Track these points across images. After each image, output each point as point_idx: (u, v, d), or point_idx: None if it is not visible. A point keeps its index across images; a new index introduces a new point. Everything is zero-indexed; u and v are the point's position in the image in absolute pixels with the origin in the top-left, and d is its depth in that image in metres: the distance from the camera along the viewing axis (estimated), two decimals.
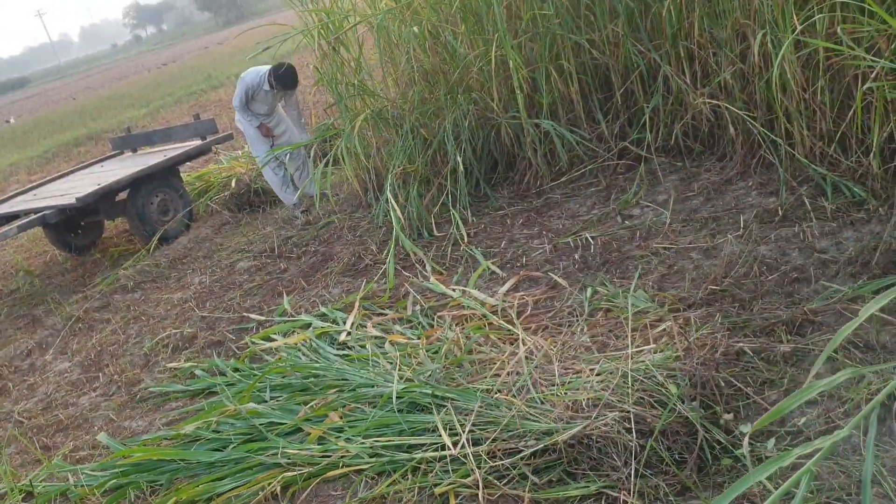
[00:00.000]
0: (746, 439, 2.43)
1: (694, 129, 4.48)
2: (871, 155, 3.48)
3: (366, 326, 3.86)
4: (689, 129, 4.49)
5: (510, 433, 2.74)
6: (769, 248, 3.51)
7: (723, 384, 2.70)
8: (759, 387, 2.74)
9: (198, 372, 4.01)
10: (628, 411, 2.57)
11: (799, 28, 3.43)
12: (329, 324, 4.01)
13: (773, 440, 2.49)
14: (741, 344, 2.90)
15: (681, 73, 4.35)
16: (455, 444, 2.79)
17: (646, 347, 2.94)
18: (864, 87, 3.12)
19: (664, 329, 3.04)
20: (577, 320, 3.39)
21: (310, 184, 5.95)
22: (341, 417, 3.13)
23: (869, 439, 1.24)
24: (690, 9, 4.21)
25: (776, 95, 3.76)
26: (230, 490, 2.97)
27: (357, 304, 4.09)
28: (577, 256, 4.01)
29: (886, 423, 2.45)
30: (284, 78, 6.10)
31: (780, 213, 3.70)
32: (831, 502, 2.25)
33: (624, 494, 2.38)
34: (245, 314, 4.58)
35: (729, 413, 2.61)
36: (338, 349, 3.73)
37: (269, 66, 6.11)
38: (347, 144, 5.20)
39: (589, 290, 3.59)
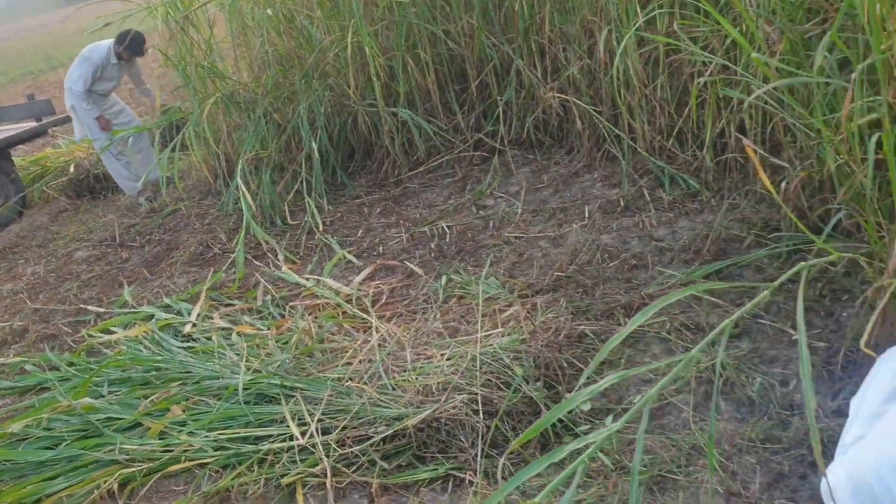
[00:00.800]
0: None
1: (545, 123, 4.60)
2: (705, 149, 3.69)
3: (212, 318, 3.71)
4: (541, 123, 4.61)
5: (360, 420, 2.71)
6: (611, 236, 3.66)
7: (565, 365, 2.78)
8: (600, 367, 2.85)
9: (28, 367, 3.72)
10: (476, 393, 2.61)
11: (640, 20, 3.57)
12: (173, 315, 3.83)
13: (611, 417, 2.59)
14: (583, 327, 3.00)
15: (532, 68, 4.46)
16: (303, 433, 2.74)
17: (494, 332, 2.99)
18: (699, 81, 3.29)
19: (512, 314, 3.11)
20: (431, 307, 3.40)
21: (154, 169, 5.67)
22: (184, 411, 3.00)
23: (640, 432, 1.31)
24: (542, 4, 4.32)
25: (620, 91, 3.92)
26: (63, 489, 2.78)
27: (204, 295, 3.93)
28: (433, 245, 4.03)
29: (713, 398, 2.60)
30: (134, 42, 5.66)
31: (622, 203, 3.87)
32: (663, 474, 2.36)
33: (470, 475, 2.41)
34: (82, 306, 4.30)
35: (570, 392, 2.70)
36: (182, 341, 3.57)
37: (110, 40, 5.74)
38: (196, 129, 4.99)
39: (443, 278, 3.62)
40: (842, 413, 2.36)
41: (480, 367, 2.73)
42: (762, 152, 3.24)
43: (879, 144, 2.36)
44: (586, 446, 1.66)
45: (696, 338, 2.86)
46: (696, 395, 2.60)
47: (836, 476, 1.75)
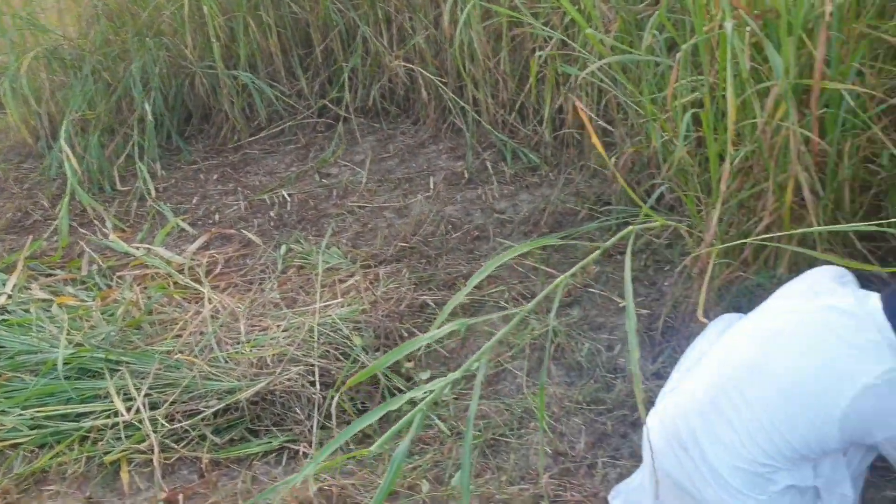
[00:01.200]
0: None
1: (391, 92, 4.56)
2: (544, 124, 3.79)
3: (31, 289, 3.44)
4: (387, 92, 4.56)
5: (190, 395, 2.61)
6: (455, 208, 3.70)
7: (406, 335, 2.80)
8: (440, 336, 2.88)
9: None
10: (313, 364, 2.56)
11: None
12: None
13: (448, 386, 2.62)
14: (425, 297, 3.02)
15: (379, 35, 4.41)
16: (129, 409, 2.60)
17: (334, 302, 2.95)
18: (539, 55, 3.36)
19: (353, 284, 3.07)
20: (269, 278, 3.31)
21: None
22: None
23: (475, 389, 1.34)
24: None
25: (464, 63, 3.95)
26: None
27: (21, 264, 3.62)
28: (272, 214, 3.92)
29: (545, 363, 2.69)
30: None
31: (466, 176, 3.91)
32: (497, 437, 2.43)
33: (304, 446, 2.38)
34: None
35: (410, 361, 2.71)
36: None
37: None
38: (14, 85, 4.57)
39: (283, 248, 3.52)
40: (661, 376, 2.51)
41: (318, 338, 2.69)
42: (597, 120, 3.38)
43: (700, 122, 2.51)
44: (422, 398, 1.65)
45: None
46: (530, 361, 2.68)
47: (652, 423, 1.86)
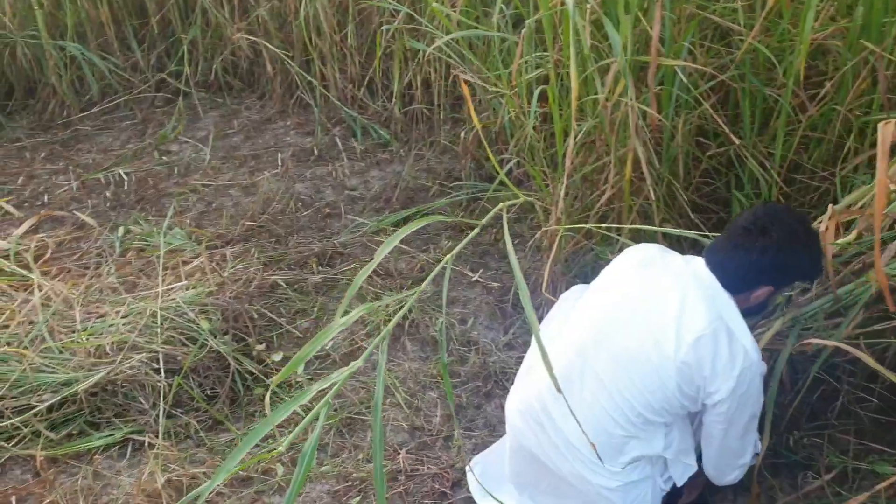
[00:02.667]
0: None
1: (234, 66, 4.39)
2: (393, 100, 3.77)
3: None
4: (230, 66, 4.39)
5: (20, 389, 2.42)
6: (305, 185, 3.62)
7: (256, 316, 2.71)
8: (293, 316, 2.82)
9: None
10: (157, 351, 2.44)
11: None
12: None
13: (302, 365, 2.57)
14: (275, 277, 2.94)
15: (219, 6, 4.21)
16: None
17: (178, 285, 2.81)
18: (384, 29, 3.33)
19: (198, 266, 2.94)
20: (106, 261, 3.11)
21: None
22: None
23: (380, 365, 1.31)
24: None
25: (311, 37, 3.86)
26: None
27: None
28: (108, 194, 3.68)
29: (401, 339, 2.70)
30: None
31: (316, 152, 3.83)
32: (353, 416, 2.41)
33: (150, 437, 2.26)
34: None
35: (261, 344, 2.64)
36: None
37: None
38: None
39: (121, 230, 3.32)
40: (513, 346, 2.58)
41: (161, 324, 2.55)
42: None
43: (546, 98, 2.57)
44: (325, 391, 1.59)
45: (385, 283, 2.94)
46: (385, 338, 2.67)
47: (510, 403, 1.91)
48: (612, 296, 1.86)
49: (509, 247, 1.53)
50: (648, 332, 1.72)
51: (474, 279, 2.91)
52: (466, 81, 3.29)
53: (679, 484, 1.89)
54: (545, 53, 2.62)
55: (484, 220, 1.91)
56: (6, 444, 2.32)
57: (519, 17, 3.05)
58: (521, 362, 2.34)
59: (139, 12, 4.52)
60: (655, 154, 2.48)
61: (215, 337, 2.54)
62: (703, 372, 1.68)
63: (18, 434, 2.34)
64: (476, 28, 3.11)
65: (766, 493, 2.08)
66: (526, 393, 1.88)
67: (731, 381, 1.67)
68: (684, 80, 2.40)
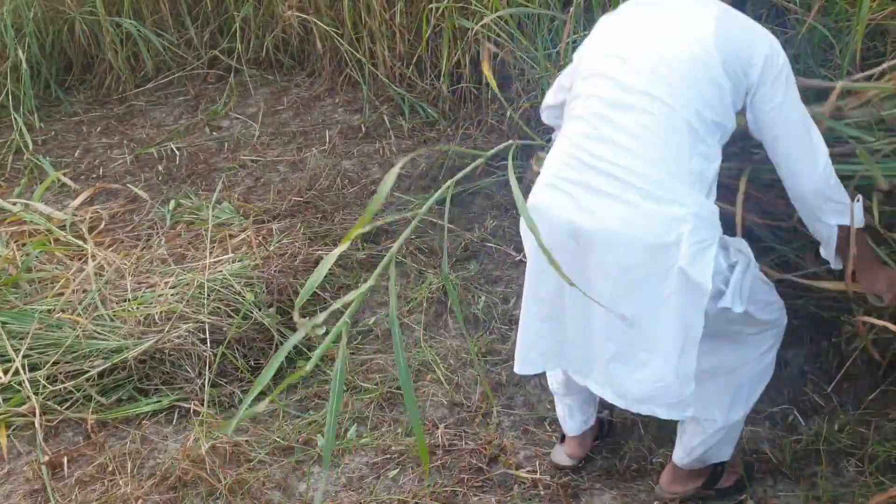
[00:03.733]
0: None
1: (285, 43, 4.42)
2: (442, 79, 3.76)
3: None
4: (280, 43, 4.42)
5: (74, 354, 2.49)
6: (352, 162, 3.64)
7: (300, 290, 2.74)
8: (336, 292, 2.85)
9: None
10: (203, 322, 2.49)
11: None
12: None
13: (346, 337, 2.60)
14: (320, 252, 2.97)
15: None
16: (7, 371, 2.46)
17: (225, 258, 2.87)
18: (434, 6, 3.32)
19: (245, 239, 2.99)
20: (157, 233, 3.18)
21: None
22: None
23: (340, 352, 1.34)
24: None
25: (361, 15, 3.86)
26: None
27: None
28: (160, 168, 3.76)
29: (443, 317, 2.71)
30: None
31: (363, 129, 3.85)
32: (393, 390, 2.43)
33: (195, 404, 2.32)
34: None
35: (304, 317, 2.66)
36: None
37: None
38: None
39: (171, 203, 3.39)
40: None
41: (208, 295, 2.61)
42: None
43: None
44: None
45: (428, 260, 2.95)
46: (427, 315, 2.69)
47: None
48: (621, 27, 1.78)
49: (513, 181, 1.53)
50: (673, 35, 1.67)
51: (518, 259, 2.90)
52: (495, 54, 3.28)
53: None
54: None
55: (489, 153, 1.90)
56: (59, 407, 2.40)
57: None
58: None
59: None
60: None
61: (259, 309, 2.59)
62: (741, 43, 1.64)
63: (71, 398, 2.42)
64: (525, 6, 3.08)
65: (808, 480, 2.05)
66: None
67: (766, 43, 1.64)
68: None
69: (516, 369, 1.92)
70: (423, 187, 3.43)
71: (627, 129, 1.63)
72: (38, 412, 2.37)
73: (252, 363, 2.50)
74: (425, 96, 3.96)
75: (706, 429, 1.86)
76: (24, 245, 3.15)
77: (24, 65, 4.19)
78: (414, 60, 3.96)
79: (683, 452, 1.93)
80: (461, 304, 2.73)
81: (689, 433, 1.90)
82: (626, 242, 1.59)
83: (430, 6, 3.43)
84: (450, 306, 2.72)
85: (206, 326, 2.47)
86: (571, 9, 2.51)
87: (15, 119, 4.11)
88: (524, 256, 2.91)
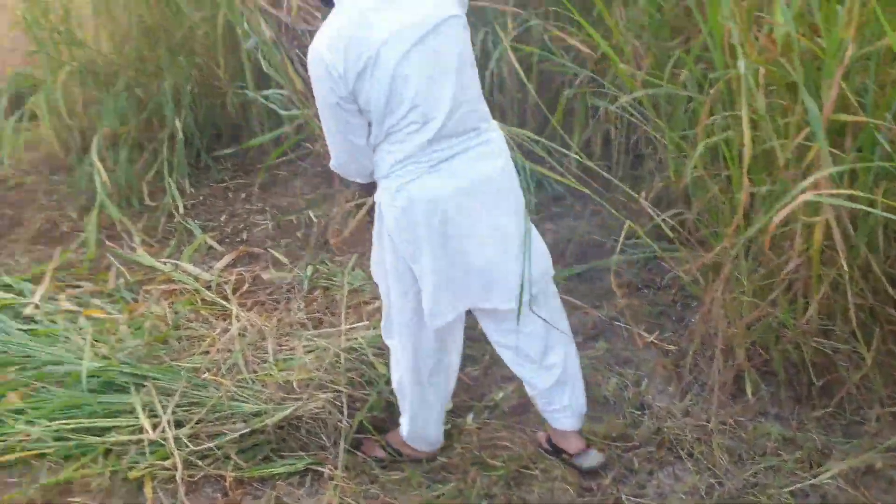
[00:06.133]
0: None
1: None
2: (571, 155, 3.80)
3: (58, 300, 3.47)
4: None
5: (217, 415, 2.61)
6: None
7: None
8: (463, 363, 2.87)
9: None
10: (340, 391, 2.57)
11: (514, 33, 3.64)
12: (13, 295, 3.54)
13: (471, 414, 2.63)
14: None
15: None
16: (155, 426, 2.61)
17: (360, 325, 2.96)
18: (568, 92, 3.39)
19: (378, 306, 3.08)
20: (295, 297, 3.33)
21: None
22: (22, 398, 2.79)
23: None
24: None
25: (493, 92, 3.98)
26: None
27: (49, 275, 3.66)
28: (299, 234, 3.96)
29: None
30: None
31: None
32: (521, 469, 2.41)
33: (329, 468, 2.38)
34: None
35: None
36: (22, 323, 3.31)
37: None
38: (48, 98, 4.65)
39: (309, 269, 3.55)
40: (689, 413, 2.50)
41: (345, 363, 2.69)
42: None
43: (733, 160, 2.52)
44: None
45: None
46: None
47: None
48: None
49: None
50: None
51: (649, 340, 2.86)
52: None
53: None
54: (733, 113, 2.58)
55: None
56: (200, 463, 2.51)
57: (704, 77, 3.02)
58: (699, 430, 2.29)
59: None
60: (850, 223, 2.36)
61: (388, 384, 2.63)
62: None
63: (212, 455, 2.53)
64: (660, 86, 3.11)
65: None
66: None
67: None
68: (886, 146, 2.28)
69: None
70: None
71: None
72: (180, 468, 2.48)
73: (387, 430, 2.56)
74: (552, 172, 4.00)
75: None
76: (173, 303, 3.36)
77: (180, 134, 4.53)
78: (543, 136, 4.03)
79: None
80: (589, 384, 2.70)
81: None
82: None
83: (563, 91, 3.51)
84: None
85: (344, 397, 2.55)
86: (712, 90, 2.51)
87: (168, 184, 4.42)
88: (657, 339, 2.88)
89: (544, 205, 3.86)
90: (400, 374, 2.32)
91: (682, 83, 3.02)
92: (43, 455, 2.60)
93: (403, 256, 2.10)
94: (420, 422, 2.36)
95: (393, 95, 1.92)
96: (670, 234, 2.74)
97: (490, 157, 2.07)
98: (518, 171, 2.13)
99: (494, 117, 4.02)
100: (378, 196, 2.12)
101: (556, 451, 2.41)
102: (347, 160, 2.11)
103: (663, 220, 3.25)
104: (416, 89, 1.92)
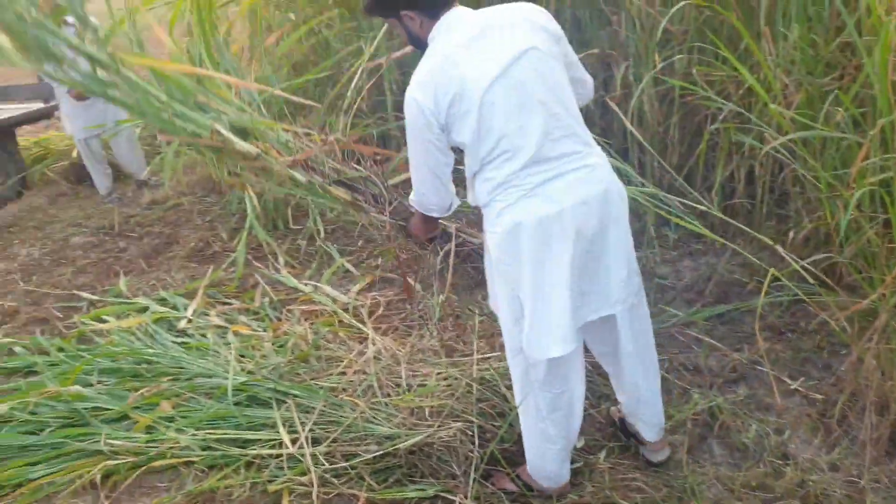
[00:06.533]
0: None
1: None
2: (713, 192, 3.71)
3: (209, 315, 3.69)
4: None
5: (352, 435, 2.69)
6: None
7: None
8: (597, 400, 2.85)
9: (17, 349, 3.68)
10: (472, 421, 2.59)
11: (658, 66, 3.61)
12: (168, 309, 3.80)
13: (603, 452, 2.59)
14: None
15: None
16: (294, 441, 2.72)
17: (491, 355, 2.98)
18: (712, 128, 3.32)
19: None
20: (427, 324, 3.40)
21: (138, 166, 5.67)
22: (174, 407, 2.97)
23: None
24: None
25: (632, 126, 3.95)
26: (44, 477, 2.74)
27: (201, 292, 3.91)
28: (432, 262, 4.02)
29: (707, 440, 2.61)
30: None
31: None
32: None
33: (461, 498, 2.40)
34: (76, 292, 4.26)
35: None
36: (176, 336, 3.54)
37: None
38: None
39: (441, 296, 3.61)
40: (837, 467, 2.37)
41: (476, 393, 2.71)
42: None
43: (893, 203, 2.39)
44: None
45: (693, 378, 2.87)
46: (692, 437, 2.60)
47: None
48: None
49: None
50: None
51: (793, 387, 2.73)
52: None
53: None
54: (890, 156, 2.45)
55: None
56: (336, 481, 2.59)
57: (862, 115, 2.89)
58: (849, 486, 2.17)
59: None
60: None
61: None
62: None
63: (346, 474, 2.61)
64: (812, 126, 2.99)
65: None
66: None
67: None
68: None
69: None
70: (688, 301, 3.36)
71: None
72: (315, 484, 2.57)
73: (518, 462, 2.56)
74: (693, 208, 3.91)
75: None
76: (313, 324, 3.50)
77: None
78: (683, 172, 3.95)
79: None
80: (728, 430, 2.61)
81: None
82: None
83: (707, 126, 3.43)
84: (716, 431, 2.61)
85: (475, 427, 2.57)
86: (872, 132, 2.39)
87: (311, 210, 4.63)
88: (801, 386, 2.75)
89: (684, 241, 3.78)
90: (520, 407, 2.33)
91: (836, 123, 2.89)
92: (190, 463, 2.75)
93: (509, 282, 2.14)
94: (540, 457, 2.35)
95: (482, 126, 2.01)
96: (817, 277, 2.61)
97: (590, 182, 2.07)
98: (646, 203, 2.16)
99: (633, 150, 4.05)
100: (484, 225, 2.20)
101: (626, 434, 2.58)
102: (429, 193, 2.24)
103: (811, 262, 3.12)
104: (504, 119, 2.00)
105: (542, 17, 2.12)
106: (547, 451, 2.33)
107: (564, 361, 2.19)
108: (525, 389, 2.27)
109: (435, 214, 2.34)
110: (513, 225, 2.04)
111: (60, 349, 3.58)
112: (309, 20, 4.91)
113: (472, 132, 2.01)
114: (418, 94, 2.02)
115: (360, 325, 3.42)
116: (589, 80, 2.31)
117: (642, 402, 2.43)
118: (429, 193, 2.25)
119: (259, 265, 4.20)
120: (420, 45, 2.16)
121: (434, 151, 2.10)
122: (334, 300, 3.71)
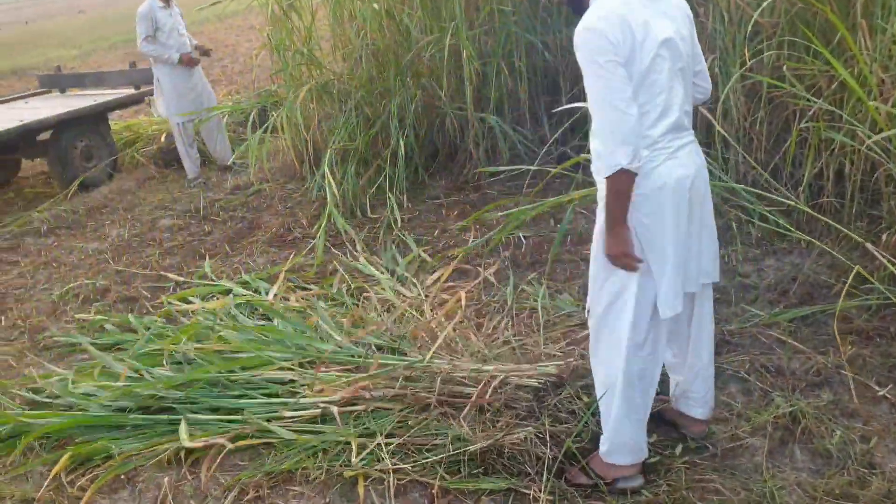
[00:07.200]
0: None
1: None
2: (801, 189, 3.60)
3: (289, 299, 3.79)
4: None
5: (426, 433, 2.72)
6: None
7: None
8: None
9: (108, 326, 3.85)
10: (543, 424, 2.59)
11: (748, 64, 3.51)
12: (251, 293, 3.91)
13: (679, 446, 2.56)
14: None
15: None
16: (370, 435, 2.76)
17: (564, 351, 2.97)
18: (801, 124, 3.22)
19: (585, 335, 3.08)
20: (501, 317, 3.41)
21: (224, 152, 5.84)
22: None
23: None
24: None
25: (717, 120, 3.86)
26: (131, 450, 2.87)
27: (282, 276, 4.01)
28: (507, 254, 4.04)
29: (789, 445, 2.55)
30: None
31: None
32: None
33: (535, 491, 2.40)
34: (163, 273, 4.43)
35: None
36: (258, 319, 3.64)
37: None
38: (289, 114, 5.09)
39: (516, 289, 3.61)
40: None
41: (551, 395, 2.71)
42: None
43: None
44: None
45: (775, 381, 2.80)
46: (772, 441, 2.54)
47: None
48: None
49: None
50: None
51: (881, 393, 2.65)
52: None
53: None
54: None
55: None
56: (409, 469, 2.63)
57: None
58: None
59: (552, 90, 4.92)
60: None
61: (594, 416, 2.62)
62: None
63: (420, 463, 2.64)
64: None
65: None
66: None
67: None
68: None
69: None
70: (771, 301, 3.28)
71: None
72: (391, 471, 2.62)
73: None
74: (778, 205, 3.81)
75: None
76: (387, 311, 3.55)
77: (402, 151, 4.79)
78: (769, 169, 3.85)
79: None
80: (811, 435, 2.54)
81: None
82: None
83: (797, 124, 3.33)
84: (798, 435, 2.54)
85: (546, 428, 2.57)
86: None
87: (389, 198, 4.69)
88: (888, 392, 2.65)
89: (767, 239, 3.68)
90: (609, 376, 2.34)
91: None
92: (270, 444, 2.83)
93: (647, 241, 2.18)
94: (622, 431, 2.35)
95: (650, 72, 2.07)
96: None
97: (699, 155, 2.24)
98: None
99: (717, 145, 3.96)
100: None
101: (664, 422, 2.65)
102: (615, 133, 2.02)
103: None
104: (668, 76, 2.10)
105: (690, 12, 2.25)
106: (629, 422, 2.34)
107: (665, 323, 2.29)
108: (613, 354, 2.30)
109: (625, 162, 2.01)
110: (661, 184, 2.13)
111: (147, 327, 3.70)
112: (390, 10, 4.96)
113: (642, 73, 2.05)
114: (602, 24, 2.03)
115: (433, 316, 3.45)
116: (708, 78, 2.40)
117: (700, 378, 2.50)
118: (616, 134, 2.01)
119: (337, 252, 4.29)
120: (577, 5, 2.20)
121: (614, 78, 2.01)
122: (410, 289, 3.75)
